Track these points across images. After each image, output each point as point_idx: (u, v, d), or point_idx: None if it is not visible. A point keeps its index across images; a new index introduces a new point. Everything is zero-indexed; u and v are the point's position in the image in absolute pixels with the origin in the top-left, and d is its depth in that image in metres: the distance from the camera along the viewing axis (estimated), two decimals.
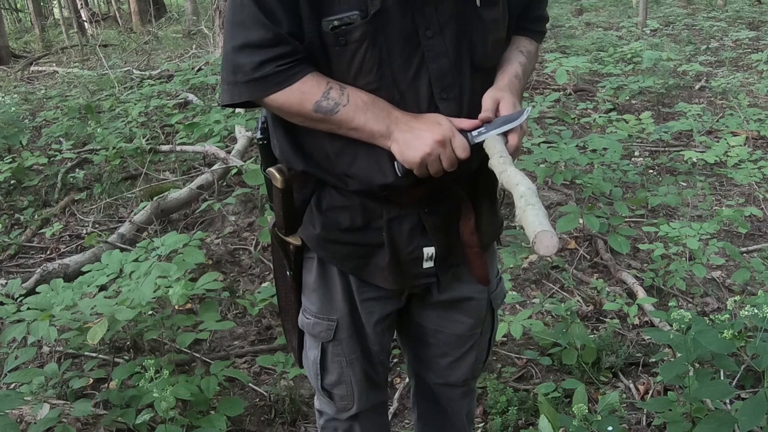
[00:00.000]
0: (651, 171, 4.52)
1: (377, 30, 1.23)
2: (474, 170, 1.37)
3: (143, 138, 5.15)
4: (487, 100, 1.33)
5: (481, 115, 1.31)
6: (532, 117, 4.84)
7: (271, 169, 1.39)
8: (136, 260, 2.64)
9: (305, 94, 1.25)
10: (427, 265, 1.43)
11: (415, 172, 1.28)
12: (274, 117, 1.37)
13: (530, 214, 1.07)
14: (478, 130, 1.30)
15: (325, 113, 1.25)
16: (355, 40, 1.22)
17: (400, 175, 1.30)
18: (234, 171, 4.15)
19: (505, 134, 1.31)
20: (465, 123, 1.29)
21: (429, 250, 1.42)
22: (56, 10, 18.29)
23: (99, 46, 11.21)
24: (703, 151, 4.34)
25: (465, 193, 1.39)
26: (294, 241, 1.46)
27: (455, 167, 1.28)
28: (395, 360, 2.69)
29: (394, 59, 1.25)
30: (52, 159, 5.07)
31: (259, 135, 1.45)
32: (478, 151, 1.31)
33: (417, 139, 1.24)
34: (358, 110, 1.25)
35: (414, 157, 1.25)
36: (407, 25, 1.25)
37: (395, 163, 1.29)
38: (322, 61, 1.26)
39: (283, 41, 1.22)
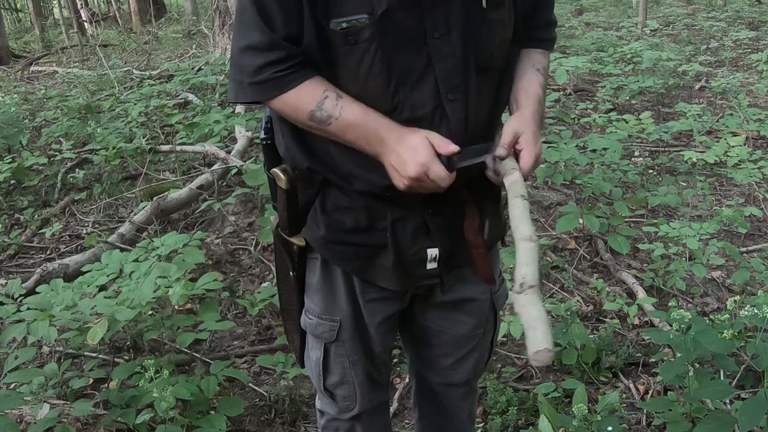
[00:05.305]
0: (651, 171, 4.52)
1: (385, 30, 1.22)
2: (477, 175, 1.36)
3: (143, 138, 5.14)
4: (508, 134, 1.31)
5: (496, 152, 1.30)
6: None
7: (276, 170, 1.39)
8: (136, 260, 2.64)
9: (300, 102, 1.26)
10: (431, 266, 1.43)
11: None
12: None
13: (532, 318, 0.95)
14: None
15: (319, 123, 1.27)
16: (365, 40, 1.22)
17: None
18: (234, 171, 4.14)
19: (517, 159, 1.31)
20: (445, 149, 1.25)
21: (433, 251, 1.42)
22: (56, 10, 18.26)
23: (99, 46, 11.17)
24: (703, 151, 4.33)
25: (469, 194, 1.39)
26: (298, 241, 1.45)
27: (442, 190, 1.27)
28: (395, 360, 2.69)
29: (402, 60, 1.25)
30: (52, 159, 5.06)
31: (262, 135, 1.45)
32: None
33: (397, 169, 1.26)
34: (349, 127, 1.26)
35: (399, 185, 1.27)
36: (414, 25, 1.24)
37: None
38: (326, 64, 1.26)
39: (279, 46, 1.23)
